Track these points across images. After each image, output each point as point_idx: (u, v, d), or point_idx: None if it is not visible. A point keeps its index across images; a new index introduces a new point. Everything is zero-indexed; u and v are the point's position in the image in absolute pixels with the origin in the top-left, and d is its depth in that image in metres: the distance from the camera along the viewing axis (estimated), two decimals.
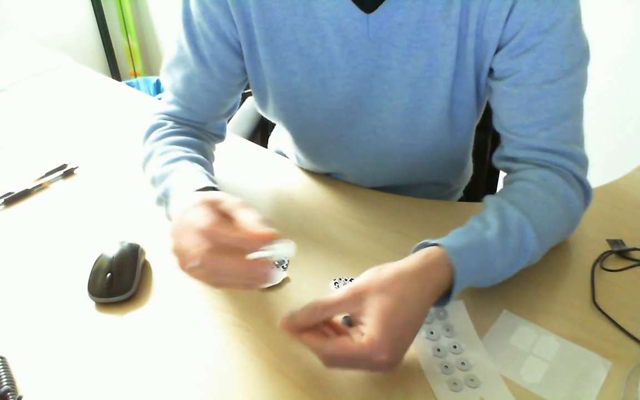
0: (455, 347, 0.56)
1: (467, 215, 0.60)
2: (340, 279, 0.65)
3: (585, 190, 0.66)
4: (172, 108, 0.78)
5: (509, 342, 0.57)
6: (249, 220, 0.50)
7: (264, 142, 1.15)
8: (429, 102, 0.70)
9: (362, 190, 0.82)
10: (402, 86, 0.69)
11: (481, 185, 1.14)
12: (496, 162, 0.73)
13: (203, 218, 0.51)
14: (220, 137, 0.85)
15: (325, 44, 0.68)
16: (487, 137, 1.08)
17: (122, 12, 2.73)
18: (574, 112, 0.65)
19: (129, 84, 2.43)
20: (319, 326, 0.52)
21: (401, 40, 0.66)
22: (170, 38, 2.75)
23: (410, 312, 0.50)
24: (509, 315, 0.60)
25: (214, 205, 0.53)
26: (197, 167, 0.67)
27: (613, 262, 0.66)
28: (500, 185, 1.11)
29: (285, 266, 0.68)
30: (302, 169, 0.89)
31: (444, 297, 0.55)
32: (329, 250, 0.70)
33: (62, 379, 0.56)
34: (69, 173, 0.90)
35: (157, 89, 2.55)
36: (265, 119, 1.15)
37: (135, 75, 2.87)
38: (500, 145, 0.72)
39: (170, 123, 0.77)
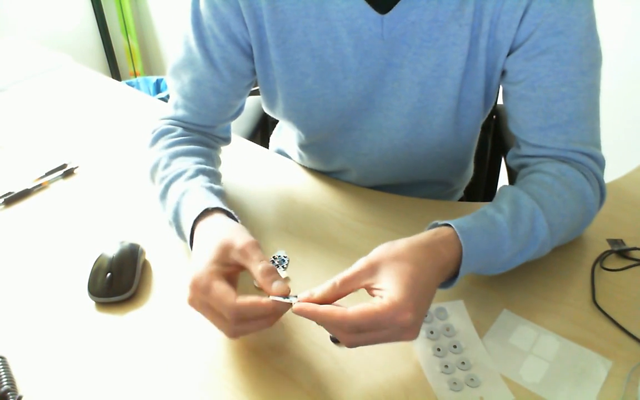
0: (455, 346, 0.56)
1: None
2: None
3: (602, 190, 0.66)
4: (181, 113, 0.76)
5: (509, 342, 0.57)
6: (263, 271, 0.53)
7: (264, 142, 1.15)
8: (437, 102, 0.71)
9: (363, 190, 0.82)
10: (411, 85, 0.70)
11: (481, 185, 1.14)
12: (511, 160, 0.73)
13: (223, 297, 0.51)
14: (227, 139, 0.85)
15: (337, 46, 0.68)
16: (487, 137, 1.09)
17: (122, 12, 2.73)
18: (592, 114, 0.65)
19: (129, 84, 2.43)
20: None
21: (413, 39, 0.66)
22: (170, 38, 2.76)
23: (426, 276, 0.51)
24: (509, 315, 0.60)
25: (224, 258, 0.54)
26: (203, 184, 0.66)
27: (613, 262, 0.66)
28: (500, 186, 1.12)
29: (285, 266, 0.68)
30: (303, 168, 0.89)
31: (451, 278, 0.56)
32: (329, 250, 0.70)
33: (62, 379, 0.56)
34: (69, 173, 0.90)
35: (157, 88, 2.55)
36: (266, 119, 1.16)
37: (135, 75, 2.87)
38: (516, 145, 0.72)
39: (179, 130, 0.76)
